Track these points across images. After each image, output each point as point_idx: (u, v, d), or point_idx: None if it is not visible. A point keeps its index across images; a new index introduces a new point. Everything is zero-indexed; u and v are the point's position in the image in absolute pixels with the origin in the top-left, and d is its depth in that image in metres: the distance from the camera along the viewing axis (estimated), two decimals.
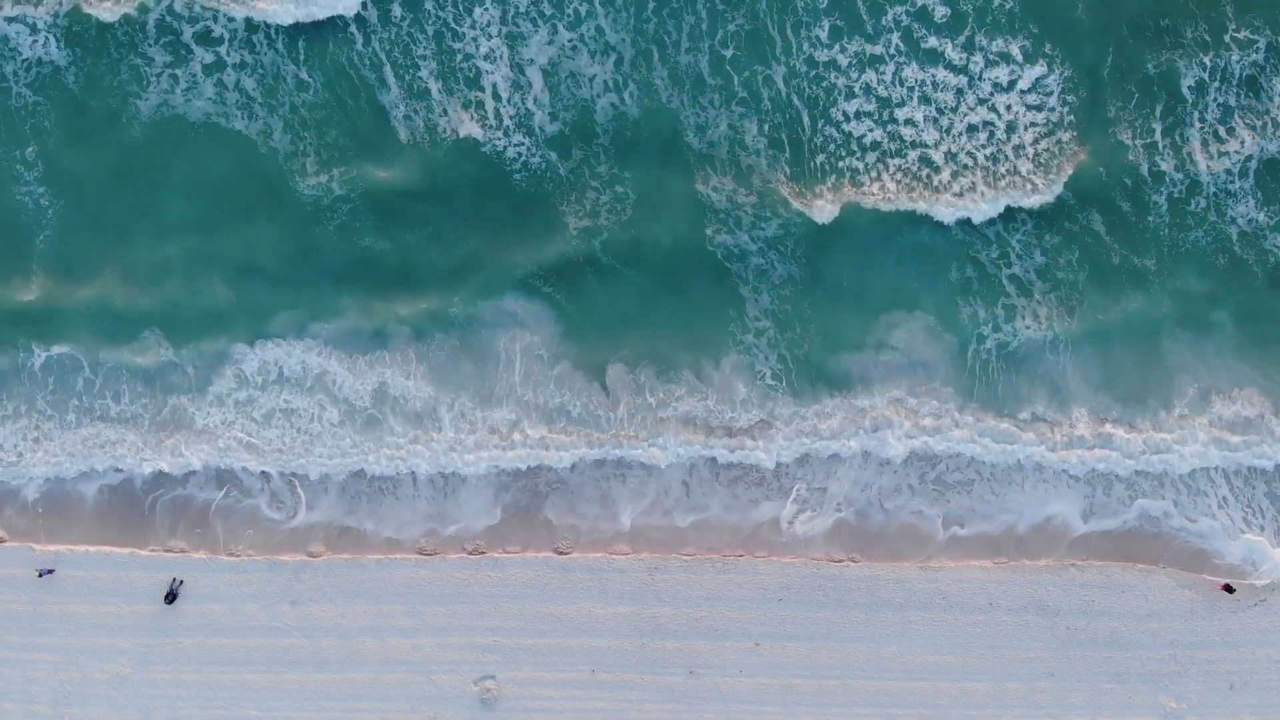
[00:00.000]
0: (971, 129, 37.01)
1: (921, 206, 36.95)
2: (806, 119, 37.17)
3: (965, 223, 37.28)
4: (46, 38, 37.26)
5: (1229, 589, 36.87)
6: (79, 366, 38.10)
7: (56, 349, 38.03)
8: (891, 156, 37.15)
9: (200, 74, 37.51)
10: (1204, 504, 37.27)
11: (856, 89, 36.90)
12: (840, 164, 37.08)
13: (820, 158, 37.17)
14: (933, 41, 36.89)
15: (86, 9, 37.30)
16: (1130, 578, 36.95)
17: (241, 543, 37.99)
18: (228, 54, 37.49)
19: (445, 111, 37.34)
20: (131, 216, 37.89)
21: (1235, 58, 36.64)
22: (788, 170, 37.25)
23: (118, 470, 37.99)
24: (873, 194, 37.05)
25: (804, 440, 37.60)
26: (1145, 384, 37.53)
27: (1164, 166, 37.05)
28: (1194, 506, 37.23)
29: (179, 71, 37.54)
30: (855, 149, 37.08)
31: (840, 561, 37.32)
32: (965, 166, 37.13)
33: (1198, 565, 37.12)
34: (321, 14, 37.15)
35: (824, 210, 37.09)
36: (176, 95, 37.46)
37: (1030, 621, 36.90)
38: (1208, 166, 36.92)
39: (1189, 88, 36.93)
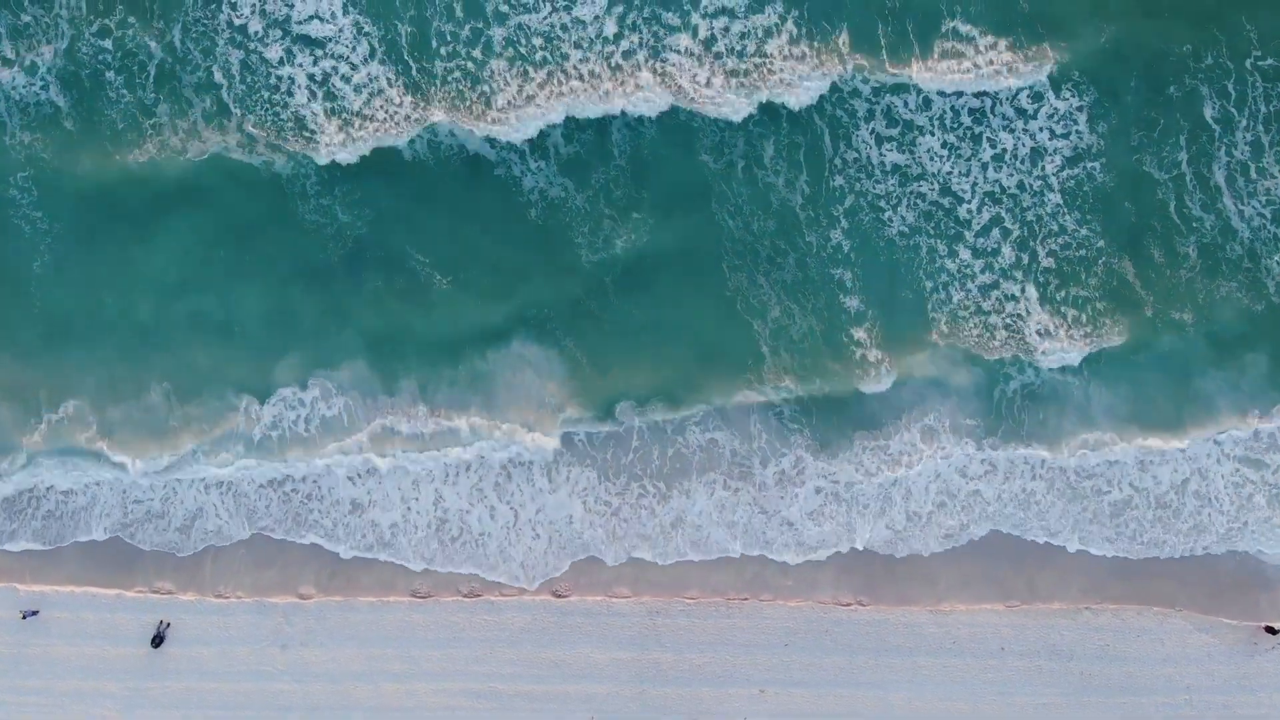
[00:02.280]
0: (996, 159, 36.11)
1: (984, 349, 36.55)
2: (828, 139, 36.16)
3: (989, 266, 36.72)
4: (46, 80, 36.16)
5: (1271, 630, 36.37)
6: (85, 416, 37.13)
7: (65, 406, 37.07)
8: (913, 180, 36.21)
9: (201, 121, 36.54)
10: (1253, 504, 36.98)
11: (879, 111, 35.79)
12: (859, 186, 36.22)
13: (839, 179, 36.28)
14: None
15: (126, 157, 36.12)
16: (1146, 621, 36.60)
17: (230, 583, 37.28)
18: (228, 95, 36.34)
19: (453, 133, 36.28)
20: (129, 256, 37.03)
21: (1261, 88, 35.52)
22: (806, 191, 36.29)
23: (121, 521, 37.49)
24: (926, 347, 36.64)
25: (838, 508, 36.91)
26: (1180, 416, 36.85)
27: (1191, 205, 36.20)
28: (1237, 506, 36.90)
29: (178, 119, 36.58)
30: (876, 173, 36.18)
31: (848, 605, 36.85)
32: (990, 194, 36.26)
33: (1232, 577, 36.68)
34: (384, 144, 35.96)
35: (874, 382, 36.53)
36: (175, 140, 36.37)
37: (1043, 667, 36.43)
38: (1237, 208, 36.10)
39: (1213, 118, 35.96)
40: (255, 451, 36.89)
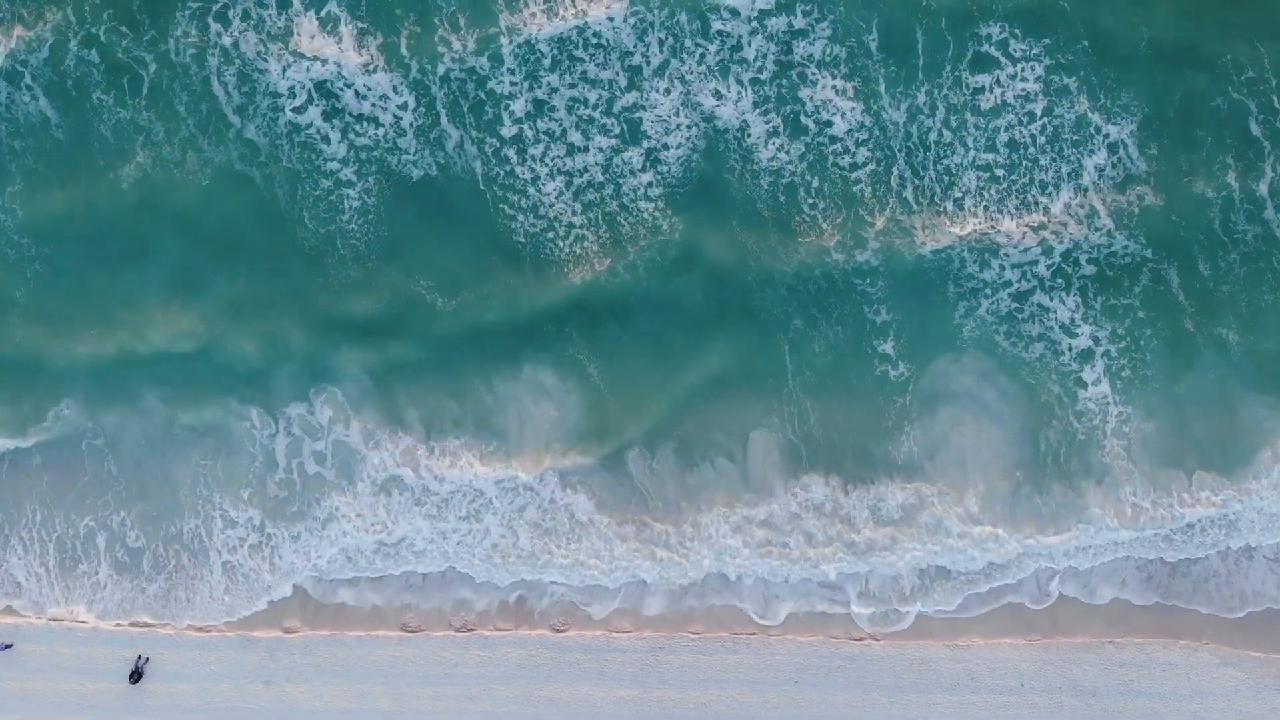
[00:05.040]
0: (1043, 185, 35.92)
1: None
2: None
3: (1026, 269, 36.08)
4: (35, 90, 35.71)
5: None
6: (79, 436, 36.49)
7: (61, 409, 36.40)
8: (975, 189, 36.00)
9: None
10: None
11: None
12: (881, 188, 35.83)
13: (859, 185, 35.91)
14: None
15: None
16: (1171, 655, 36.07)
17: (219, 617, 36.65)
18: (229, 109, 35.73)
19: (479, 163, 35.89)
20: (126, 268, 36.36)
21: None
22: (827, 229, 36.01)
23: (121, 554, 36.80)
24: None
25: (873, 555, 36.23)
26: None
27: (1236, 221, 35.65)
28: None
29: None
30: (905, 187, 35.99)
31: (861, 640, 36.33)
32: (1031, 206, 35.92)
33: (1261, 609, 35.94)
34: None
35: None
36: (172, 149, 35.84)
37: (1065, 703, 35.85)
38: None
39: (1262, 132, 35.32)
40: (263, 503, 36.43)
